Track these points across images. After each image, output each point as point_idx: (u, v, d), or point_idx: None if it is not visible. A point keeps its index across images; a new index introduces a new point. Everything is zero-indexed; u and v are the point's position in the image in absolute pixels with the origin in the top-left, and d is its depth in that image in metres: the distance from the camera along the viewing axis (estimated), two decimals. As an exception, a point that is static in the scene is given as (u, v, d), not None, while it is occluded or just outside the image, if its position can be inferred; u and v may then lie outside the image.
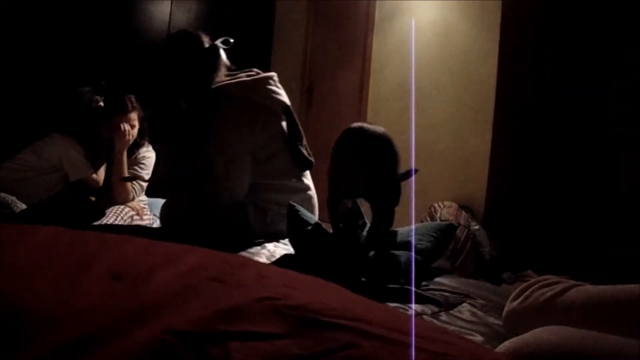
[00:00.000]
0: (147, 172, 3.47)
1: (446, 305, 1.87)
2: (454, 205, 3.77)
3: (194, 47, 2.32)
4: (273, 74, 2.40)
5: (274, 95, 2.35)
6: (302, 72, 5.25)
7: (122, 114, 3.35)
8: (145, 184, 3.48)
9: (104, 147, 3.40)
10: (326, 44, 5.27)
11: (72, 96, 3.52)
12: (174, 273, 0.69)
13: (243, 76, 2.36)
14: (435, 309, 1.85)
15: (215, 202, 2.29)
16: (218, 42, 2.37)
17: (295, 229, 2.01)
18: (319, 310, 0.64)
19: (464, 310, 1.86)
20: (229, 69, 2.40)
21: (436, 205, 3.77)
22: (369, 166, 1.89)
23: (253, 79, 2.34)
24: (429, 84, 4.35)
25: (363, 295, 0.95)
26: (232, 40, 2.39)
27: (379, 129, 1.94)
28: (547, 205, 3.56)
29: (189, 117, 2.39)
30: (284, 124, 2.39)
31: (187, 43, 2.34)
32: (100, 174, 3.49)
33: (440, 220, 3.56)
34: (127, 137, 3.35)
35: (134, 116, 3.40)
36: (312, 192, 2.48)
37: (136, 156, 3.49)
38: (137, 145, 3.49)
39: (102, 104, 3.48)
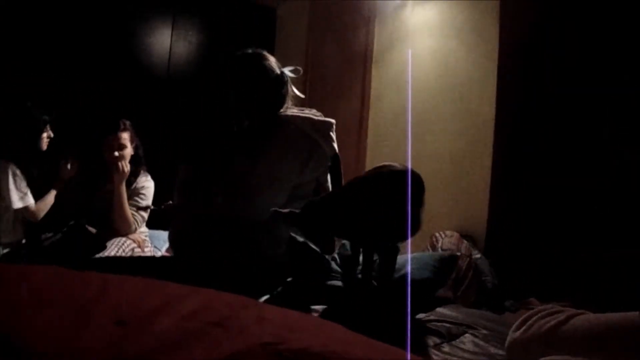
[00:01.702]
0: (147, 202, 3.47)
1: (448, 337, 1.88)
2: (456, 234, 3.76)
3: (262, 72, 2.36)
4: (334, 121, 2.44)
5: (331, 141, 2.38)
6: (301, 103, 5.29)
7: (114, 133, 3.37)
8: (146, 215, 3.48)
9: (54, 173, 3.40)
10: (326, 74, 5.31)
11: (13, 114, 3.44)
12: (176, 318, 0.70)
13: (310, 114, 2.40)
14: (438, 341, 1.85)
15: (235, 217, 2.30)
16: (286, 70, 2.41)
17: (299, 259, 2.01)
18: (321, 353, 0.64)
19: (467, 341, 1.86)
20: (296, 99, 2.47)
21: (437, 234, 3.77)
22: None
23: (319, 120, 2.38)
24: (428, 113, 4.36)
25: (366, 329, 0.95)
26: (301, 70, 2.44)
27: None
28: (549, 232, 3.55)
29: (246, 135, 2.42)
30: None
31: (257, 66, 2.37)
32: (41, 206, 3.43)
33: (442, 249, 3.55)
34: (120, 166, 3.36)
35: (125, 136, 3.41)
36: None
37: (135, 186, 3.48)
38: (133, 173, 3.48)
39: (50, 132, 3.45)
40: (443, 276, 2.08)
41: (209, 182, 2.41)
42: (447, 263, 2.09)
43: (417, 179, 1.86)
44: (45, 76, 4.46)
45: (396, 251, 1.89)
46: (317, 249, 2.07)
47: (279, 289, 2.03)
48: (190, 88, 5.13)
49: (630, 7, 3.29)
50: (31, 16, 4.41)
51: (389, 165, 1.90)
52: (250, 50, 2.44)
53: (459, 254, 3.54)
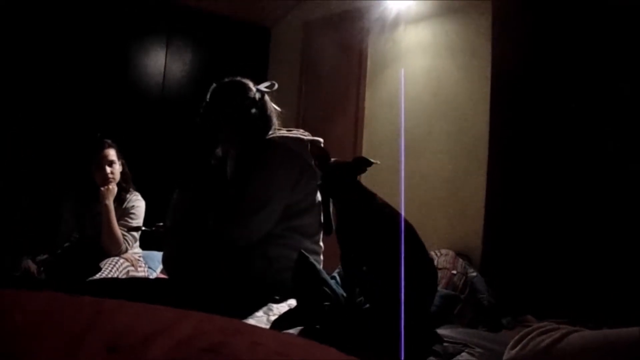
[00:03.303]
0: (138, 222, 3.47)
1: (445, 355, 1.86)
2: (451, 252, 3.76)
3: (240, 98, 2.40)
4: (322, 140, 2.48)
5: None
6: (295, 124, 5.31)
7: (98, 152, 3.39)
8: (137, 235, 3.48)
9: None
10: (319, 95, 5.34)
11: None
12: (169, 345, 0.69)
13: (298, 134, 2.43)
14: (434, 360, 1.84)
15: (228, 241, 2.31)
16: (262, 87, 2.44)
17: (305, 279, 2.01)
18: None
19: (463, 359, 1.85)
20: (278, 115, 2.50)
21: (432, 253, 3.77)
22: None
23: (308, 139, 2.42)
24: (421, 132, 4.39)
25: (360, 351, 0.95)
26: (275, 84, 2.46)
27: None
28: (545, 250, 3.55)
29: (238, 160, 2.44)
30: None
31: (238, 97, 2.41)
32: None
33: (438, 268, 3.55)
34: (109, 179, 3.37)
35: (112, 152, 3.43)
36: (322, 257, 2.51)
37: (125, 206, 3.49)
38: (124, 189, 3.50)
39: None
40: (444, 314, 2.10)
41: (202, 206, 2.43)
42: (449, 302, 2.12)
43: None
44: (36, 95, 4.47)
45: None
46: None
47: (284, 311, 2.03)
48: (184, 109, 5.15)
49: (621, 25, 3.32)
50: (25, 35, 4.42)
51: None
52: (227, 79, 2.47)
53: (454, 272, 3.55)
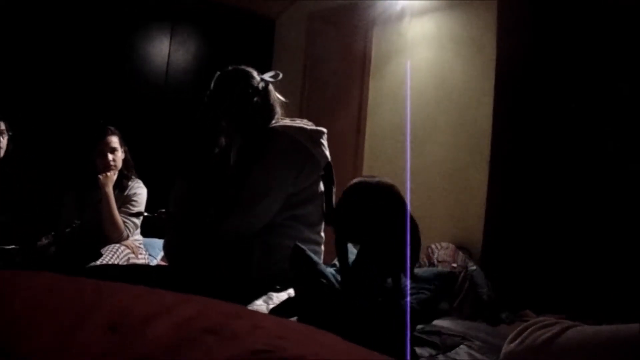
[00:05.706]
0: (139, 209, 3.47)
1: (443, 348, 1.87)
2: (451, 246, 3.76)
3: (248, 90, 2.37)
4: (325, 130, 2.46)
5: (323, 149, 2.40)
6: (299, 114, 5.30)
7: (101, 139, 3.39)
8: (138, 221, 3.48)
9: None
10: (323, 86, 5.32)
11: None
12: (169, 324, 0.70)
13: (301, 124, 2.42)
14: (433, 352, 1.84)
15: (230, 230, 2.30)
16: (266, 77, 2.43)
17: (301, 271, 2.01)
18: (313, 362, 0.64)
19: (461, 352, 1.85)
20: (282, 105, 2.48)
21: (433, 246, 3.77)
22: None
23: (312, 129, 2.40)
24: (424, 124, 4.38)
25: (364, 343, 0.95)
26: (280, 74, 2.45)
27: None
28: (545, 244, 3.55)
29: (240, 149, 2.44)
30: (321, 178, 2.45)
31: (242, 85, 2.38)
32: None
33: (438, 261, 3.55)
34: (110, 166, 3.37)
35: (115, 139, 3.42)
36: (322, 247, 2.51)
37: (127, 193, 3.48)
38: (125, 177, 3.49)
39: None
40: (441, 294, 2.09)
41: (204, 195, 2.42)
42: (445, 280, 2.10)
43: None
44: (40, 83, 4.46)
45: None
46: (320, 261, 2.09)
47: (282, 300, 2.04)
48: (187, 98, 5.15)
49: (625, 20, 3.31)
50: (29, 24, 4.41)
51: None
52: (230, 68, 2.45)
53: (454, 265, 3.56)
